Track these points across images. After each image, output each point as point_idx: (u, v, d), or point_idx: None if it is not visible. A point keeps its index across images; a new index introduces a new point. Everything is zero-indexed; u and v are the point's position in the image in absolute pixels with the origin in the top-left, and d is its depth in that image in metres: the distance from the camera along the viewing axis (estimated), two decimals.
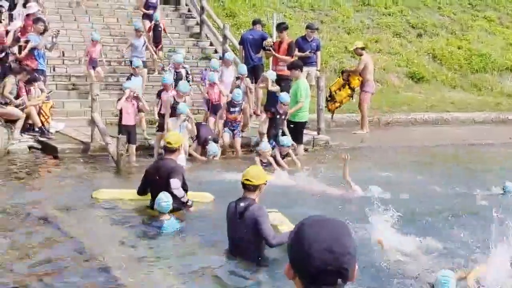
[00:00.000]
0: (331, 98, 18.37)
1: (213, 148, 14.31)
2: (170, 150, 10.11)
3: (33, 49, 16.03)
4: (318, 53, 18.63)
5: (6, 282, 6.99)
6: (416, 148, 16.90)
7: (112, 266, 7.55)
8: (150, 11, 19.74)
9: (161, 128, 14.46)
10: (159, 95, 14.96)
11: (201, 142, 14.57)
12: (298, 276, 2.52)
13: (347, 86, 18.27)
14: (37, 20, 16.47)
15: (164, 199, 9.13)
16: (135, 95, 14.14)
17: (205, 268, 7.65)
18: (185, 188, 9.97)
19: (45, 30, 16.73)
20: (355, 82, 18.23)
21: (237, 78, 15.95)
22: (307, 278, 2.49)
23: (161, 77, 16.14)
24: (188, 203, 9.91)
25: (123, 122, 14.05)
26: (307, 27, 18.96)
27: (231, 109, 15.00)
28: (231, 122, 15.03)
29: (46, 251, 8.15)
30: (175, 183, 9.68)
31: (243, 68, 16.01)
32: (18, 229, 9.08)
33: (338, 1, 25.57)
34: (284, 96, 14.73)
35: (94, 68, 17.60)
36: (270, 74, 16.35)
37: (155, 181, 9.96)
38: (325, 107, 17.93)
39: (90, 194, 10.65)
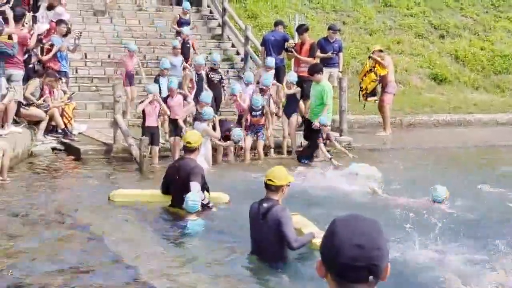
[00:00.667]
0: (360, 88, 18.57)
1: (237, 132, 14.23)
2: (189, 149, 10.10)
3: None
4: (341, 54, 18.53)
5: (32, 283, 7.01)
6: (440, 149, 16.80)
7: (135, 265, 7.57)
8: (182, 28, 19.26)
9: (171, 133, 14.53)
10: (165, 101, 14.53)
11: (222, 136, 14.54)
12: (329, 273, 2.52)
13: (372, 73, 18.25)
14: (60, 21, 16.58)
15: (191, 199, 9.10)
16: (157, 99, 14.14)
17: (227, 269, 7.66)
18: (205, 187, 9.96)
19: (68, 32, 16.86)
20: (383, 70, 18.17)
21: (261, 90, 15.42)
22: (337, 275, 2.50)
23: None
24: (209, 205, 9.88)
25: (146, 124, 14.05)
26: (329, 28, 18.87)
27: (253, 113, 14.86)
28: (254, 125, 14.90)
29: (70, 253, 8.16)
30: (195, 186, 9.61)
31: (268, 81, 15.53)
32: (42, 230, 9.12)
33: (360, 2, 25.49)
34: (324, 119, 14.61)
35: (130, 84, 17.07)
36: (291, 76, 16.09)
37: (175, 180, 9.98)
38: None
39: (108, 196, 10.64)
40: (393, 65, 18.90)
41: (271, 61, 16.52)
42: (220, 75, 16.76)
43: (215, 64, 16.68)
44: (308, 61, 17.05)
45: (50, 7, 17.38)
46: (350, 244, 2.45)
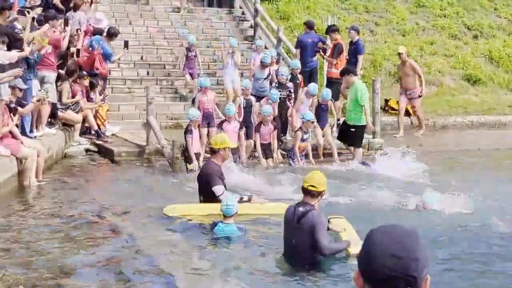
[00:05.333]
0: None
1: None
2: (212, 151, 10.11)
3: (106, 56, 16.46)
4: (359, 56, 17.55)
5: (66, 285, 7.06)
6: (474, 151, 16.63)
7: (164, 267, 7.59)
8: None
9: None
10: (220, 125, 13.98)
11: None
12: (366, 284, 2.47)
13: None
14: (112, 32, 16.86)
15: (225, 202, 9.01)
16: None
17: (258, 273, 7.62)
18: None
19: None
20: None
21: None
22: (374, 286, 2.44)
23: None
24: (244, 199, 9.77)
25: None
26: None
27: (305, 137, 14.37)
28: (301, 152, 14.38)
29: (101, 255, 8.18)
30: (217, 190, 9.60)
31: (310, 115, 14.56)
32: (75, 232, 9.17)
33: (392, 3, 25.31)
34: (309, 114, 14.44)
35: (209, 124, 14.52)
36: (326, 95, 15.48)
37: (201, 185, 9.98)
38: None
39: (162, 209, 10.15)
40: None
41: (314, 89, 15.51)
42: (289, 90, 15.65)
43: (282, 76, 15.65)
44: (330, 61, 17.05)
45: (75, 8, 17.22)
46: (387, 254, 2.40)
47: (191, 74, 17.83)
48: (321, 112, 15.35)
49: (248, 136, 14.61)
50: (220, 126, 13.97)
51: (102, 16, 18.14)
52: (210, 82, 15.80)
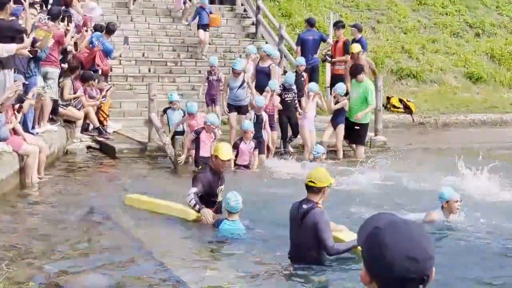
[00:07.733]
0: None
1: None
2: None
3: (107, 53, 16.45)
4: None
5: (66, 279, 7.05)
6: (476, 149, 16.56)
7: (171, 265, 7.56)
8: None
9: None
10: (237, 146, 13.53)
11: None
12: (375, 282, 2.43)
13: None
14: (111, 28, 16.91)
15: (233, 199, 8.92)
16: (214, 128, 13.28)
17: (264, 271, 7.59)
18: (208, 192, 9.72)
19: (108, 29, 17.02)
20: None
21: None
22: (388, 286, 2.40)
23: None
24: (195, 208, 9.41)
25: (201, 154, 12.95)
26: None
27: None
28: None
29: (103, 252, 8.18)
30: (189, 190, 9.48)
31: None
32: (75, 230, 9.16)
33: (394, 1, 25.28)
34: None
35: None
36: (339, 88, 15.26)
37: None
38: None
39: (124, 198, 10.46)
40: None
41: (314, 87, 15.35)
42: (294, 92, 15.21)
43: (290, 84, 15.23)
44: (343, 59, 16.94)
45: (67, 5, 16.68)
46: (402, 257, 2.36)
47: (213, 101, 15.97)
48: (337, 111, 15.17)
49: (259, 151, 14.14)
50: (236, 146, 13.35)
51: (94, 4, 17.95)
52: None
